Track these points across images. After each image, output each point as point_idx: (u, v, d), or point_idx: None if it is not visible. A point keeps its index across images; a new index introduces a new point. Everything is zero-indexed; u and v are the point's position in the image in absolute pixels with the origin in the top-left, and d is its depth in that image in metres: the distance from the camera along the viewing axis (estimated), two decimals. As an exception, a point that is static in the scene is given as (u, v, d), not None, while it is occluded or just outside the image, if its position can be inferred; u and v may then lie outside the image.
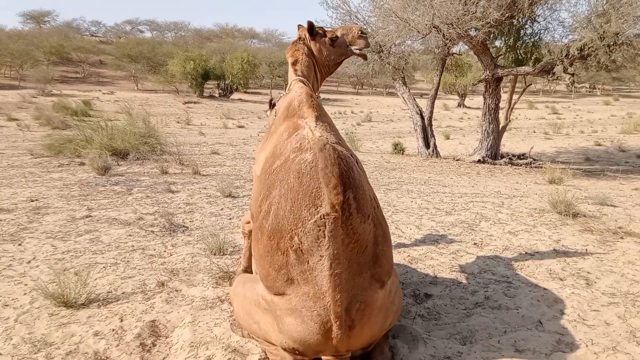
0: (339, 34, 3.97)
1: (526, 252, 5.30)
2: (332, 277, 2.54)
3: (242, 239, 4.08)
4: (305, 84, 3.67)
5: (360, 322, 2.65)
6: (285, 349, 2.75)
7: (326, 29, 4.02)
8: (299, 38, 3.98)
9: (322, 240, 2.56)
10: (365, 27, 15.18)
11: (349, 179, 2.68)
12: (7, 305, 3.73)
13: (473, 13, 12.36)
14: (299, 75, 3.79)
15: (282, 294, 2.70)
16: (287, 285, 2.68)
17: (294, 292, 2.65)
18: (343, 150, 2.87)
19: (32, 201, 6.89)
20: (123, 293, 4.01)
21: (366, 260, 2.71)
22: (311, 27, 3.90)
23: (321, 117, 3.17)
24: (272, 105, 4.56)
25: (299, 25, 4.06)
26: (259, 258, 2.90)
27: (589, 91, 65.64)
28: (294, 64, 3.86)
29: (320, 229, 2.56)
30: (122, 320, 3.53)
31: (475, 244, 5.60)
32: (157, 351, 3.17)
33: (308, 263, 2.60)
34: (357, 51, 3.99)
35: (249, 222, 3.89)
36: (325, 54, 3.96)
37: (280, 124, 3.35)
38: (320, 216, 2.57)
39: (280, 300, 2.70)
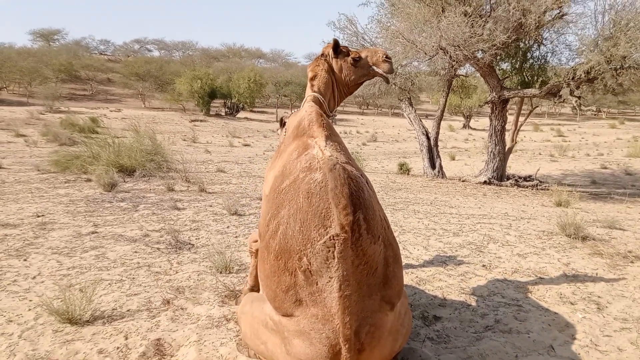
0: (363, 55, 3.96)
1: (536, 275, 5.24)
2: (341, 299, 2.49)
3: (249, 257, 4.04)
4: (319, 100, 3.66)
5: (369, 345, 2.59)
6: (293, 372, 2.70)
7: (351, 49, 4.01)
8: (322, 54, 3.98)
9: (332, 261, 2.52)
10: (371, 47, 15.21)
11: (359, 199, 2.65)
12: (11, 321, 3.69)
13: (480, 35, 12.40)
14: (314, 92, 3.79)
15: (290, 315, 2.65)
16: (295, 307, 2.63)
17: (302, 314, 2.60)
18: (353, 170, 2.84)
19: (38, 217, 6.88)
20: (128, 310, 3.97)
21: (376, 282, 2.66)
22: (336, 45, 3.89)
23: (331, 136, 3.15)
24: (282, 123, 4.56)
25: (329, 43, 4.05)
26: (265, 278, 2.85)
27: (595, 114, 65.64)
28: (313, 78, 3.87)
29: (329, 250, 2.52)
30: (126, 338, 3.48)
31: (483, 265, 5.54)
32: (162, 370, 3.12)
33: (317, 284, 2.55)
34: (381, 73, 3.98)
35: (256, 241, 3.85)
36: (346, 73, 3.94)
37: (290, 143, 3.33)
38: (330, 237, 2.53)
39: (289, 322, 2.65)
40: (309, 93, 3.82)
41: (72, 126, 24.48)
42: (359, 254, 2.57)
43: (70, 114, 32.31)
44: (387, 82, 4.32)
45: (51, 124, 25.80)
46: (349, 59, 3.92)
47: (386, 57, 3.98)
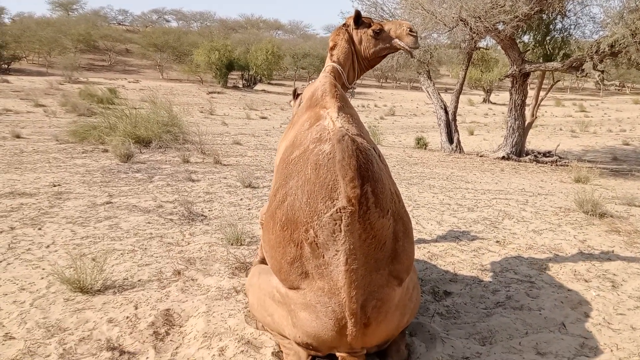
0: (386, 27, 3.86)
1: (550, 252, 5.17)
2: (347, 273, 2.46)
3: (260, 230, 4.02)
4: (338, 71, 3.59)
5: (376, 320, 2.57)
6: (299, 344, 2.70)
7: (374, 21, 3.91)
8: (344, 24, 3.89)
9: (338, 234, 2.48)
10: (391, 19, 15.00)
11: (367, 171, 2.58)
12: (23, 289, 3.73)
13: (502, 6, 12.10)
14: (334, 61, 3.71)
15: (296, 287, 2.64)
16: (301, 279, 2.61)
17: (308, 287, 2.59)
18: (363, 142, 2.77)
19: (55, 186, 6.94)
20: (139, 280, 4.00)
21: (384, 257, 2.63)
22: (357, 16, 3.80)
23: (344, 108, 3.08)
24: (296, 95, 4.50)
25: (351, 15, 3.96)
26: (269, 249, 2.83)
27: (618, 89, 64.31)
28: (333, 48, 3.79)
29: (336, 223, 2.48)
30: (136, 308, 3.51)
31: (497, 241, 5.47)
32: (170, 340, 3.14)
33: (323, 257, 2.53)
34: (404, 46, 3.88)
35: None
36: (366, 45, 3.84)
37: (303, 113, 3.28)
38: (337, 210, 2.49)
39: (295, 295, 2.64)
40: (328, 63, 3.75)
41: (90, 97, 24.57)
42: (367, 228, 2.53)
43: (89, 84, 32.42)
44: (412, 56, 4.22)
45: (70, 94, 25.95)
46: (370, 30, 3.82)
47: (410, 30, 3.86)
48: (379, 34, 3.83)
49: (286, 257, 2.64)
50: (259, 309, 3.02)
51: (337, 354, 2.65)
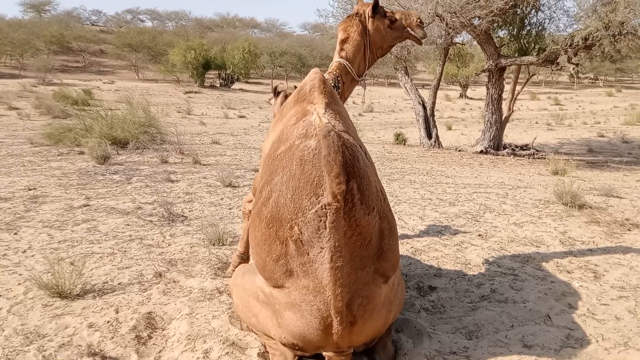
0: (397, 17, 3.82)
1: (532, 244, 5.20)
2: (332, 271, 2.42)
3: (244, 221, 3.96)
4: (346, 68, 3.51)
5: (362, 318, 2.54)
6: (285, 344, 2.65)
7: (386, 9, 3.86)
8: (357, 13, 3.78)
9: (323, 231, 2.44)
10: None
11: (353, 168, 2.54)
12: (0, 296, 3.63)
13: (477, 1, 12.16)
14: (342, 57, 3.62)
15: (280, 286, 2.59)
16: (286, 278, 2.57)
17: (293, 285, 2.54)
18: (349, 139, 2.72)
19: (30, 190, 6.79)
20: (119, 284, 3.92)
21: (370, 254, 2.59)
22: (376, 4, 3.71)
23: (331, 104, 3.00)
24: (276, 92, 4.44)
25: (364, 2, 3.89)
26: (255, 246, 2.77)
27: (592, 82, 65.18)
28: (344, 41, 3.67)
29: (321, 220, 2.44)
30: (117, 312, 3.43)
31: (479, 235, 5.49)
32: (153, 344, 3.08)
33: (308, 255, 2.48)
34: (416, 35, 3.85)
35: (251, 201, 3.77)
36: (382, 35, 3.78)
37: (290, 108, 3.20)
38: (322, 206, 2.44)
39: (279, 294, 2.59)
40: (335, 59, 3.62)
41: (65, 99, 24.18)
42: (352, 225, 2.49)
43: (63, 86, 31.93)
44: (420, 44, 4.20)
45: (44, 97, 25.47)
46: (387, 20, 3.77)
47: (420, 22, 3.85)
48: (394, 23, 3.80)
49: (271, 254, 2.59)
50: (244, 309, 2.97)
51: (324, 353, 2.61)
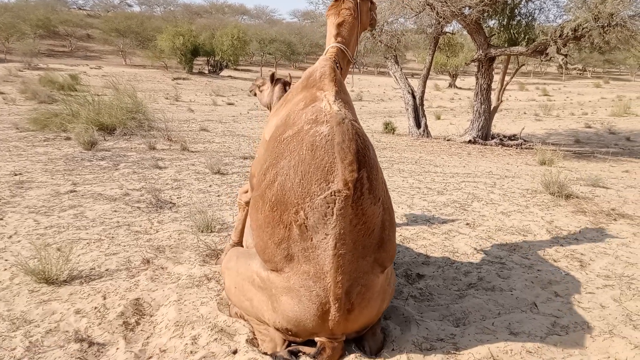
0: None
1: (519, 233, 5.23)
2: (335, 258, 2.43)
3: (239, 211, 3.94)
4: (343, 52, 3.43)
5: (359, 306, 2.56)
6: (277, 329, 2.66)
7: None
8: None
9: (330, 218, 2.44)
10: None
11: (364, 157, 2.56)
12: (-15, 282, 3.59)
13: (468, -10, 12.17)
14: (339, 42, 3.46)
15: (279, 270, 2.59)
16: (286, 262, 2.56)
17: (292, 270, 2.54)
18: (361, 128, 2.74)
19: (16, 175, 6.71)
20: (107, 270, 3.89)
21: (371, 244, 2.60)
22: None
23: (340, 92, 2.97)
24: (274, 80, 4.40)
25: None
26: (257, 228, 2.75)
27: (580, 73, 65.60)
28: (340, 25, 3.51)
29: (329, 206, 2.44)
30: (105, 298, 3.41)
31: (467, 224, 5.52)
32: (141, 330, 3.07)
33: (312, 240, 2.48)
34: (376, 18, 3.83)
35: (247, 192, 3.75)
36: (366, 17, 3.70)
37: (297, 93, 3.15)
38: (331, 192, 2.45)
39: (277, 278, 2.59)
40: (332, 43, 3.48)
41: (51, 83, 23.89)
42: (359, 214, 2.50)
43: (49, 70, 31.55)
44: (374, 29, 4.14)
45: (30, 81, 25.14)
46: (368, 2, 3.71)
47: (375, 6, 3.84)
48: (373, 5, 3.77)
49: (274, 237, 2.58)
50: (237, 293, 2.96)
51: (317, 339, 2.62)
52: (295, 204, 2.51)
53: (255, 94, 4.74)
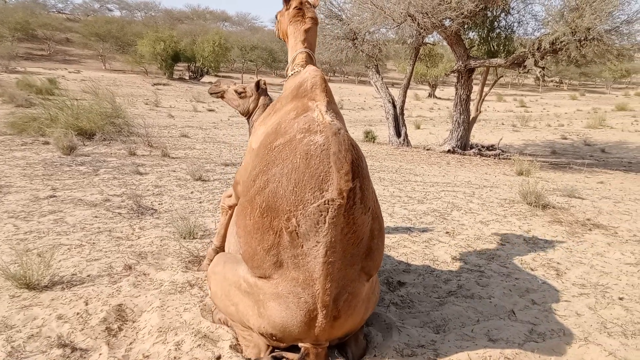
0: None
1: (497, 242, 5.33)
2: (325, 265, 2.47)
3: (221, 215, 3.95)
4: (311, 57, 3.45)
5: (345, 313, 2.60)
6: (262, 334, 2.68)
7: None
8: (301, 2, 3.58)
9: (322, 226, 2.48)
10: (340, 13, 15.07)
11: (358, 167, 2.60)
12: (-35, 287, 3.56)
13: (448, 3, 12.36)
14: (306, 47, 3.47)
15: (268, 277, 2.61)
16: (275, 268, 2.59)
17: (281, 277, 2.57)
18: (353, 140, 2.80)
19: (-7, 180, 6.63)
20: (88, 276, 3.88)
21: (360, 252, 2.65)
22: None
23: (331, 103, 3.01)
24: (259, 87, 4.40)
25: None
26: (245, 235, 2.76)
27: (557, 85, 66.73)
28: (307, 31, 3.51)
29: (321, 214, 2.48)
30: (87, 304, 3.40)
31: (447, 232, 5.60)
32: (124, 336, 3.06)
33: (302, 247, 2.51)
34: None
35: (230, 196, 3.76)
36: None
37: (287, 103, 3.18)
38: (325, 201, 2.48)
39: (265, 284, 2.61)
40: (300, 49, 3.45)
41: (29, 87, 23.59)
42: (350, 222, 2.54)
43: (27, 74, 31.13)
44: None
45: (7, 85, 24.78)
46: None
47: None
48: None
49: (263, 244, 2.60)
50: (222, 298, 2.97)
51: (301, 345, 2.65)
52: (287, 211, 2.53)
53: (221, 97, 4.57)
